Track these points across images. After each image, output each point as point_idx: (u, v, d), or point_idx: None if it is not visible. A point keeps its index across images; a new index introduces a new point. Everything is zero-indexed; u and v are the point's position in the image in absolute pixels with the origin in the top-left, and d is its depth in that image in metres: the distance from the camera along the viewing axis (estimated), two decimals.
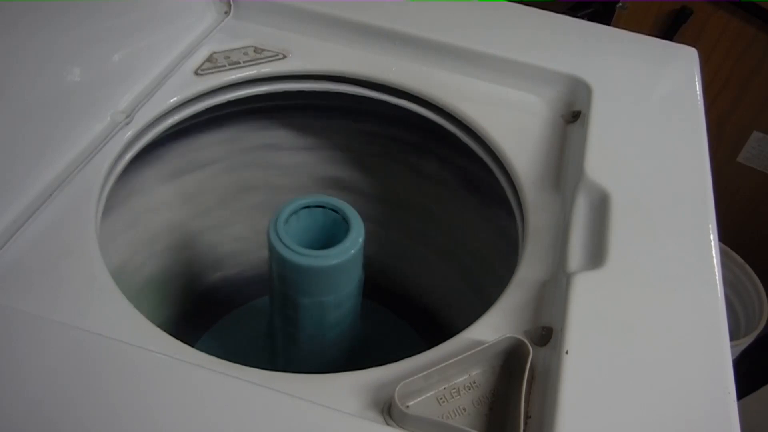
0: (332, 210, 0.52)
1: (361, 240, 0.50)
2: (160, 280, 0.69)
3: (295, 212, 0.51)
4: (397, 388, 0.34)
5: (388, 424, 0.34)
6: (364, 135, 0.71)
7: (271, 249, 0.49)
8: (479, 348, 0.37)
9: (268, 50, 0.59)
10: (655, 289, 0.41)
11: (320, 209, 0.52)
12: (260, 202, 0.74)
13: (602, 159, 0.49)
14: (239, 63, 0.57)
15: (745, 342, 1.03)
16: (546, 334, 0.39)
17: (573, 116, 0.56)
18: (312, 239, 0.52)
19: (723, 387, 0.36)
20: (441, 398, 0.37)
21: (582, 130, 0.53)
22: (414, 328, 0.81)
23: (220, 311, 0.80)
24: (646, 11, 1.17)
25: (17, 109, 0.43)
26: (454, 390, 0.37)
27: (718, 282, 0.42)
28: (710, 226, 0.45)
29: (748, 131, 1.23)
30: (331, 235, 0.51)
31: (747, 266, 1.15)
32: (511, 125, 0.55)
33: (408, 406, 0.36)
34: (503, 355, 0.38)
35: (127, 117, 0.50)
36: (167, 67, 0.55)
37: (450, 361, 0.36)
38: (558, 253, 0.45)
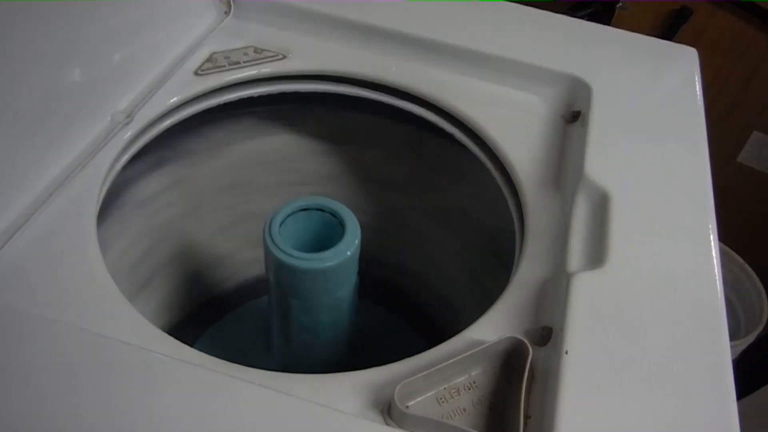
0: (328, 212, 0.52)
1: (357, 241, 0.50)
2: (159, 280, 0.69)
3: (290, 215, 0.51)
4: (397, 388, 0.34)
5: (387, 424, 0.34)
6: (363, 135, 0.71)
7: (267, 252, 0.49)
8: (479, 348, 0.37)
9: (268, 50, 0.59)
10: (655, 289, 0.41)
11: (316, 211, 0.52)
12: (260, 202, 0.74)
13: (602, 159, 0.49)
14: (239, 63, 0.57)
15: (745, 342, 1.03)
16: (546, 334, 0.39)
17: (573, 116, 0.56)
18: (308, 241, 0.52)
19: (723, 387, 0.36)
20: (441, 398, 0.37)
21: (582, 130, 0.53)
22: (414, 328, 0.81)
23: (219, 311, 0.80)
24: (646, 11, 1.17)
25: (17, 109, 0.43)
26: (454, 390, 0.37)
27: (718, 282, 0.42)
28: (710, 226, 0.45)
29: (748, 131, 1.23)
30: (327, 236, 0.51)
31: (747, 266, 1.15)
32: (511, 125, 0.55)
33: (408, 406, 0.36)
34: (503, 355, 0.38)
35: (127, 117, 0.50)
36: (167, 67, 0.55)
37: (450, 361, 0.36)
38: (558, 253, 0.45)
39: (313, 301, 0.52)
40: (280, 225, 0.50)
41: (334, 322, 0.56)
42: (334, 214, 0.51)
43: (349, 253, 0.49)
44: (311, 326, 0.55)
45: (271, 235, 0.48)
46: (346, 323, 0.58)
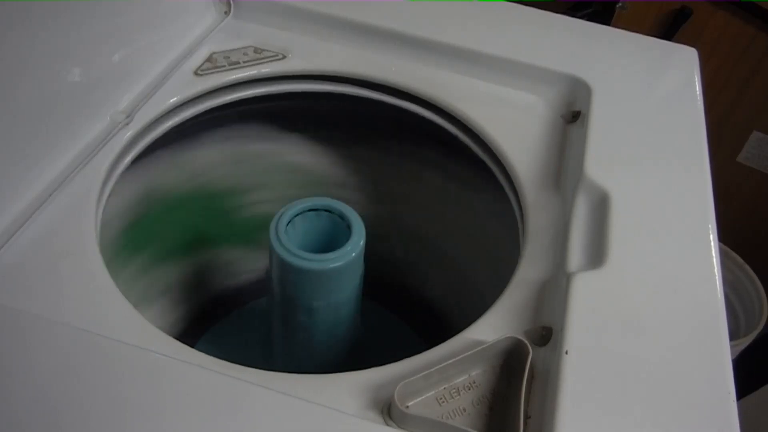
0: (333, 213, 0.52)
1: (362, 242, 0.50)
2: (159, 281, 0.69)
3: (295, 215, 0.51)
4: (397, 388, 0.34)
5: (387, 424, 0.34)
6: (364, 135, 0.71)
7: (272, 252, 0.49)
8: (479, 348, 0.37)
9: (268, 50, 0.59)
10: (655, 289, 0.41)
11: (321, 212, 0.52)
12: (260, 202, 0.74)
13: (602, 159, 0.49)
14: (239, 63, 0.57)
15: (745, 342, 1.03)
16: (546, 334, 0.39)
17: (573, 116, 0.56)
18: (313, 242, 0.52)
19: (723, 387, 0.36)
20: (441, 398, 0.37)
21: (582, 130, 0.53)
22: (414, 328, 0.81)
23: (220, 312, 0.80)
24: (646, 11, 1.17)
25: (17, 109, 0.43)
26: (454, 390, 0.37)
27: (718, 282, 0.42)
28: (710, 226, 0.45)
29: (748, 131, 1.23)
30: (332, 237, 0.51)
31: (747, 266, 1.15)
32: (511, 125, 0.55)
33: (408, 406, 0.36)
34: (503, 355, 0.38)
35: (127, 117, 0.50)
36: (167, 67, 0.55)
37: (450, 361, 0.36)
38: (558, 253, 0.45)
39: (317, 302, 0.52)
40: (286, 225, 0.50)
41: (337, 323, 0.56)
42: (339, 215, 0.51)
43: (354, 254, 0.49)
44: (313, 326, 0.55)
45: (277, 234, 0.49)
46: (348, 324, 0.58)
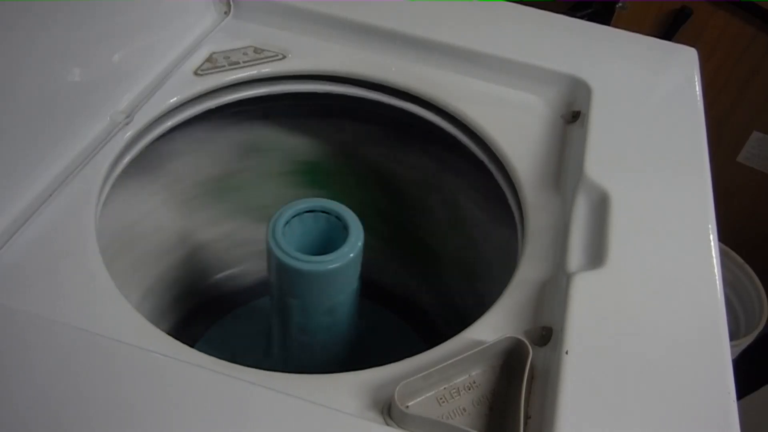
0: (330, 214, 0.51)
1: (359, 244, 0.50)
2: (159, 280, 0.69)
3: (293, 216, 0.51)
4: (397, 388, 0.34)
5: (387, 424, 0.34)
6: (363, 135, 0.71)
7: (269, 253, 0.49)
8: (479, 348, 0.37)
9: (268, 50, 0.59)
10: (655, 289, 0.41)
11: (319, 213, 0.52)
12: (260, 202, 0.74)
13: (602, 159, 0.49)
14: (239, 63, 0.57)
15: (745, 342, 1.03)
16: (546, 334, 0.39)
17: (573, 116, 0.56)
18: (311, 243, 0.52)
19: (723, 387, 0.36)
20: (441, 398, 0.37)
21: (582, 130, 0.53)
22: (414, 328, 0.81)
23: (220, 311, 0.80)
24: (646, 11, 1.17)
25: (17, 109, 0.43)
26: (454, 390, 0.37)
27: (718, 282, 0.42)
28: (710, 226, 0.45)
29: (748, 131, 1.23)
30: (330, 239, 0.51)
31: (747, 266, 1.15)
32: (511, 125, 0.55)
33: (408, 406, 0.36)
34: (503, 355, 0.38)
35: (127, 117, 0.50)
36: (167, 68, 0.55)
37: (450, 361, 0.36)
38: (558, 253, 0.45)
39: (315, 303, 0.52)
40: (284, 227, 0.50)
41: (335, 324, 0.56)
42: (337, 217, 0.51)
43: (351, 255, 0.49)
44: (312, 328, 0.55)
45: (274, 236, 0.48)
46: (346, 325, 0.58)
